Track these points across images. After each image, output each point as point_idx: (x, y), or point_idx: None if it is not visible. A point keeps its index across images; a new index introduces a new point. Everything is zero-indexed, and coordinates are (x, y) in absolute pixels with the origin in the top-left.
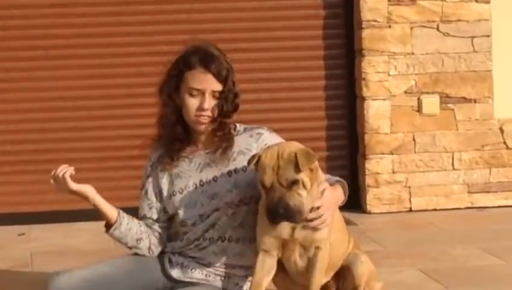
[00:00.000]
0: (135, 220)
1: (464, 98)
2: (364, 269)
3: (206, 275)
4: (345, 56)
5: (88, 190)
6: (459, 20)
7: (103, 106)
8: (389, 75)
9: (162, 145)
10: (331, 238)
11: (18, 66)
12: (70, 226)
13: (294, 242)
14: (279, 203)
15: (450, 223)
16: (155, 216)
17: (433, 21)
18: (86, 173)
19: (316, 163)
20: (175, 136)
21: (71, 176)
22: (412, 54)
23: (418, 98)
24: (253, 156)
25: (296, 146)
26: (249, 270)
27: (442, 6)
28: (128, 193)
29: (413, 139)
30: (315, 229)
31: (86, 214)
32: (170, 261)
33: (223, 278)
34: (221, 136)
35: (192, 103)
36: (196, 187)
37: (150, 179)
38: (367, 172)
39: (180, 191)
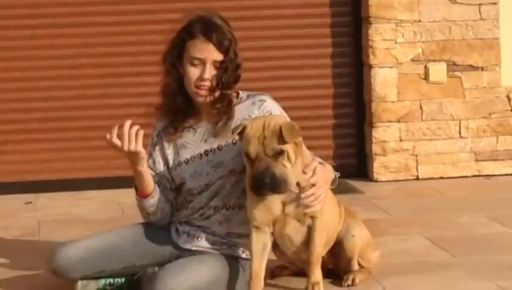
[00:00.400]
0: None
1: (471, 65)
2: (355, 242)
3: (212, 243)
4: (351, 24)
5: (144, 154)
6: None
7: (109, 74)
8: (396, 42)
9: (166, 115)
10: (324, 214)
11: (24, 34)
12: (78, 194)
13: (286, 217)
14: (265, 173)
15: (456, 191)
16: (167, 185)
17: None
18: (92, 141)
19: (301, 139)
20: (176, 106)
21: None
22: (419, 21)
23: (425, 66)
24: (238, 126)
25: (281, 118)
26: None
27: None
28: None
29: (420, 107)
30: (307, 206)
31: (93, 183)
32: (177, 230)
33: (229, 247)
34: (220, 108)
35: (193, 72)
36: (201, 157)
37: (157, 148)
38: (374, 140)
39: (186, 161)
